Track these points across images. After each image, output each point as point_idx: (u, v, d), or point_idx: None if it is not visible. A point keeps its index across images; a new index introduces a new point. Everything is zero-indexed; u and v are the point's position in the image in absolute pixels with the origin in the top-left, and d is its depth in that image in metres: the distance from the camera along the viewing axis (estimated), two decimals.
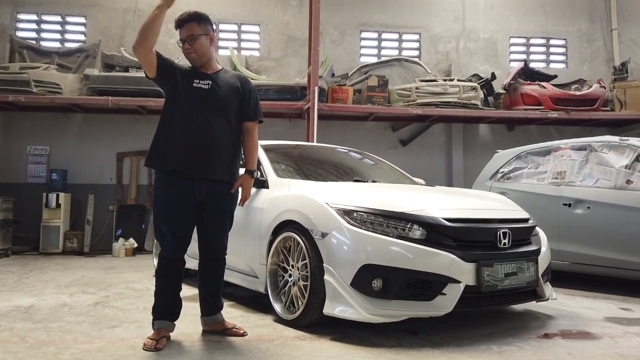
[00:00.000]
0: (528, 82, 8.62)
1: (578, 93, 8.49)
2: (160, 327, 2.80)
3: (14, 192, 7.93)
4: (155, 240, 5.46)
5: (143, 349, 2.67)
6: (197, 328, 3.12)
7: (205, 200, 2.85)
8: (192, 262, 4.84)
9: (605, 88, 8.64)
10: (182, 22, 2.93)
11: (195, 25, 2.91)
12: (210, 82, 2.89)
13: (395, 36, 9.64)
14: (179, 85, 2.84)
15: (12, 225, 7.67)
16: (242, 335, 2.96)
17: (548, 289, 3.43)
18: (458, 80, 8.62)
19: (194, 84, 2.86)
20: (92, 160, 8.54)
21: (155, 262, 5.44)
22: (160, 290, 2.84)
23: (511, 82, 8.52)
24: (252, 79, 8.20)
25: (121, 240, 7.77)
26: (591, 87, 8.64)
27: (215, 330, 3.01)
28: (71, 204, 8.21)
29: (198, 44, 2.89)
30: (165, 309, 2.84)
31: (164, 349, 2.67)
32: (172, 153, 2.79)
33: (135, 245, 7.77)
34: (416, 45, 9.64)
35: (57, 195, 7.82)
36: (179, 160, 2.78)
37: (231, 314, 3.55)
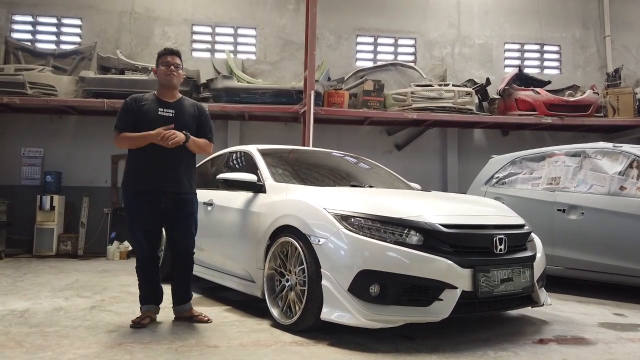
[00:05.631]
0: (522, 87, 8.68)
1: (572, 99, 8.57)
2: (147, 310, 3.37)
3: (7, 194, 7.88)
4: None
5: (130, 326, 3.21)
6: (196, 334, 3.12)
7: (171, 209, 3.35)
8: None
9: (598, 94, 8.73)
10: (173, 52, 3.50)
11: (179, 59, 3.49)
12: (173, 111, 3.40)
13: (391, 41, 9.68)
14: (141, 119, 3.32)
15: (6, 228, 7.63)
16: (207, 322, 3.40)
17: (543, 294, 3.46)
18: (453, 85, 8.66)
19: (159, 112, 3.36)
20: (87, 163, 8.50)
21: None
22: (142, 282, 3.41)
23: (506, 87, 8.58)
24: (248, 82, 8.26)
25: (115, 243, 7.74)
26: (584, 93, 8.72)
27: (185, 317, 3.46)
28: (65, 207, 8.16)
29: (180, 73, 3.48)
30: (149, 296, 3.41)
31: (160, 356, 2.67)
32: (144, 174, 3.31)
33: (130, 248, 7.73)
34: (412, 50, 9.68)
35: (51, 198, 7.78)
36: (151, 180, 3.29)
37: (227, 318, 3.56)
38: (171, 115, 3.37)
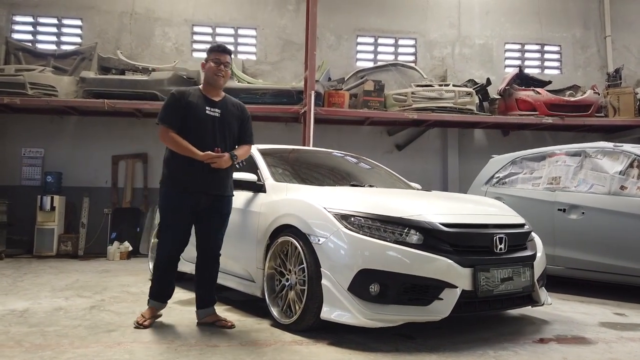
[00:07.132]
0: (523, 87, 8.68)
1: (572, 99, 8.56)
2: (153, 306, 3.34)
3: (8, 194, 7.89)
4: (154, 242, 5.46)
5: (134, 326, 3.19)
6: (196, 334, 3.12)
7: (207, 210, 3.30)
8: (189, 265, 4.81)
9: (599, 94, 8.72)
10: (225, 50, 3.40)
11: (229, 57, 3.40)
12: (220, 111, 3.33)
13: (392, 41, 9.68)
14: (189, 115, 3.24)
15: (6, 228, 7.63)
16: (231, 327, 3.26)
17: (543, 294, 3.45)
18: (454, 85, 8.66)
19: (207, 112, 3.28)
20: (87, 163, 8.51)
21: (151, 265, 5.42)
22: (158, 278, 3.38)
23: (506, 87, 8.58)
24: (248, 82, 8.26)
25: (116, 243, 7.74)
26: (585, 93, 8.71)
27: (207, 322, 3.35)
28: (66, 207, 8.16)
29: (227, 72, 3.38)
30: (161, 293, 3.37)
31: (159, 355, 2.67)
32: (188, 176, 3.22)
33: (130, 248, 7.74)
34: (412, 50, 9.69)
35: (52, 198, 7.78)
36: (194, 182, 3.22)
37: (228, 318, 3.54)
38: (218, 115, 3.30)
